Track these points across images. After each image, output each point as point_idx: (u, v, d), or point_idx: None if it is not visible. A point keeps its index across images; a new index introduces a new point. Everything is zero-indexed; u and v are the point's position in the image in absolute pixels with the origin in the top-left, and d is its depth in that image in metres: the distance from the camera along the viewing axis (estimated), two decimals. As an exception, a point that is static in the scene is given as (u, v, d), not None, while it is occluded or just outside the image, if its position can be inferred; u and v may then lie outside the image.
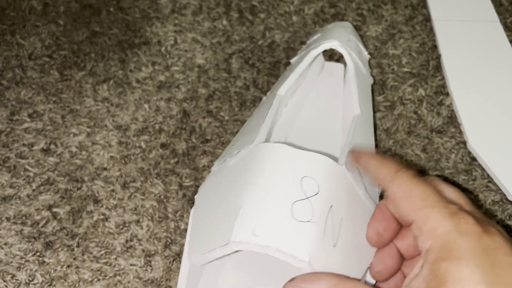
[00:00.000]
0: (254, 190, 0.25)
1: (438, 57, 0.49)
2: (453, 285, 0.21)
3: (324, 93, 0.46)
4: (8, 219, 0.37)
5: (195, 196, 0.31)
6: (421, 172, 0.40)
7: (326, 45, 0.39)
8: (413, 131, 0.43)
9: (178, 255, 0.35)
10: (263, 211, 0.24)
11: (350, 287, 0.23)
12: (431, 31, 0.52)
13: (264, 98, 0.40)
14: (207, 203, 0.28)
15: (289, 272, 0.32)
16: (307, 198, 0.24)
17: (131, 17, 0.54)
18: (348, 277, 0.23)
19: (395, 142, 0.42)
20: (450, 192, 0.25)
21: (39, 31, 0.52)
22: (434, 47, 0.50)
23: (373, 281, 0.27)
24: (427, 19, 0.53)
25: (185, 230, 0.36)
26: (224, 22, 0.53)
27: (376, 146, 0.41)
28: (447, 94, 0.46)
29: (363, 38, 0.52)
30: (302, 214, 0.24)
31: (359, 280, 0.25)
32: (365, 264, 0.26)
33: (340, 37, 0.40)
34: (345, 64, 0.47)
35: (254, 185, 0.25)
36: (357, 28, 0.53)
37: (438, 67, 0.48)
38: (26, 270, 0.34)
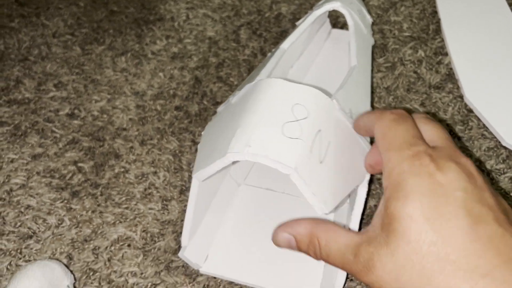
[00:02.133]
0: (250, 115, 0.28)
1: (438, 21, 0.51)
2: (399, 222, 0.23)
3: (330, 58, 0.48)
4: (38, 173, 0.40)
5: (202, 133, 0.34)
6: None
7: (328, 6, 0.41)
8: (412, 88, 0.45)
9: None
10: (256, 129, 0.27)
11: (324, 229, 0.25)
12: (431, -2, 0.54)
13: (269, 54, 0.43)
14: (211, 134, 0.31)
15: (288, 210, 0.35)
16: (297, 120, 0.27)
17: (146, -3, 0.57)
18: (322, 220, 0.26)
19: (394, 98, 0.45)
20: (430, 129, 0.26)
21: (62, 13, 0.56)
22: (434, 12, 0.52)
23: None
24: (428, -13, 0.55)
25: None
26: (233, -2, 0.56)
27: (372, 101, 0.44)
28: (446, 54, 0.48)
29: (366, 7, 0.54)
30: (291, 132, 0.26)
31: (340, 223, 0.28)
32: (351, 184, 0.29)
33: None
34: None
35: (251, 112, 0.28)
36: (360, -1, 0.55)
37: (438, 31, 0.50)
38: (55, 215, 0.38)
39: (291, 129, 0.27)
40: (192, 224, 0.33)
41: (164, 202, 0.38)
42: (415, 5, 0.54)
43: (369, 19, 0.47)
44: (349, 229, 0.31)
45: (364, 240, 0.24)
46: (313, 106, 0.28)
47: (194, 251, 0.33)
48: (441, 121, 0.43)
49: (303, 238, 0.26)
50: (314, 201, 0.26)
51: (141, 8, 0.56)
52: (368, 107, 0.37)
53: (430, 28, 0.51)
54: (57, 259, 0.35)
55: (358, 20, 0.42)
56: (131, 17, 0.55)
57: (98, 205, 0.38)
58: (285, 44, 0.39)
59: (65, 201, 0.38)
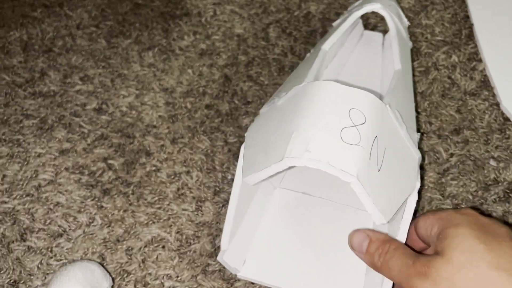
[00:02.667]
0: (305, 119, 0.27)
1: (471, 26, 0.50)
2: (452, 238, 0.25)
3: (362, 60, 0.47)
4: (67, 169, 0.39)
5: (245, 134, 0.33)
6: (455, 131, 0.42)
7: (368, 8, 0.41)
8: (447, 94, 0.45)
9: (227, 201, 0.37)
10: (314, 134, 0.26)
11: (397, 240, 0.29)
12: (463, 3, 0.53)
13: (308, 54, 0.42)
14: (258, 135, 0.30)
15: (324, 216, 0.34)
16: (355, 126, 0.26)
17: (171, -9, 0.56)
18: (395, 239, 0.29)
19: (430, 104, 0.44)
20: None
21: (85, 4, 0.54)
22: (466, 17, 0.52)
23: None
24: (459, -9, 0.54)
25: (232, 180, 0.38)
26: (261, -5, 0.55)
27: (416, 104, 0.43)
28: (480, 60, 0.47)
29: (396, 9, 0.53)
30: (350, 138, 0.26)
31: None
32: (406, 193, 0.28)
33: (382, 1, 0.42)
34: (383, 33, 0.49)
35: (305, 115, 0.27)
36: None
37: (471, 36, 0.50)
38: (86, 213, 0.37)
39: (349, 135, 0.26)
40: (232, 227, 0.32)
41: (198, 203, 0.37)
42: (446, 9, 0.53)
43: (406, 22, 0.46)
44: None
45: (424, 254, 0.26)
46: (369, 111, 0.27)
47: (233, 255, 0.32)
48: (476, 129, 0.42)
49: (377, 242, 0.28)
50: (375, 211, 0.26)
51: (167, 2, 0.55)
52: (413, 111, 0.36)
53: (462, 33, 0.50)
54: (90, 259, 0.34)
55: (398, 23, 0.41)
56: (156, 11, 0.54)
57: (130, 204, 0.37)
58: (326, 45, 0.38)
59: (96, 199, 0.37)
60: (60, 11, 0.54)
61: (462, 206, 0.37)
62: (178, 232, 0.36)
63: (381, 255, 0.27)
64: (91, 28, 0.51)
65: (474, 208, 0.37)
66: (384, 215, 0.26)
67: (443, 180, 0.39)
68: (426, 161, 0.40)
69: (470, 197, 0.38)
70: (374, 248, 0.28)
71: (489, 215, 0.36)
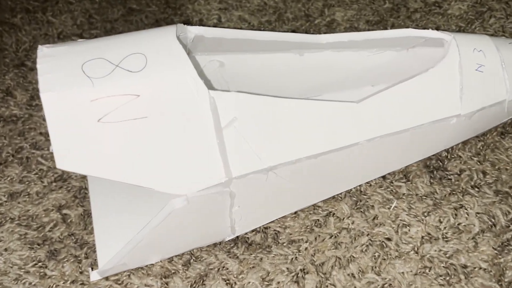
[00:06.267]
0: None
1: (541, 40, 0.39)
2: None
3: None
4: (12, 219, 0.32)
5: None
6: (519, 186, 0.31)
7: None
8: (508, 131, 0.34)
9: (201, 277, 0.28)
10: None
11: None
12: (531, 9, 0.42)
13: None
14: None
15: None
16: None
17: (172, -7, 0.48)
18: None
19: (484, 146, 0.33)
20: None
21: (72, 8, 0.47)
22: (536, 27, 0.41)
23: None
24: (526, -7, 0.43)
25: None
26: (277, -1, 0.46)
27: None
28: (554, 86, 0.36)
29: (443, 16, 0.43)
30: None
31: None
32: None
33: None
34: None
35: None
36: (436, 5, 0.44)
37: (541, 53, 0.38)
38: (24, 284, 0.29)
39: None
40: None
41: (164, 279, 0.28)
42: (508, 17, 0.42)
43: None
44: None
45: None
46: None
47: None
48: (549, 182, 0.31)
49: None
50: None
51: (165, 7, 0.46)
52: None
53: (530, 48, 0.39)
54: None
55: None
56: (151, 17, 0.45)
57: (81, 273, 0.29)
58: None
59: (40, 264, 0.29)
60: (42, 17, 0.46)
61: (528, 301, 0.26)
62: (134, 318, 0.27)
63: None
64: (73, 38, 0.44)
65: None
66: None
67: (501, 259, 0.28)
68: (478, 229, 0.29)
69: (540, 286, 0.27)
70: None
71: None
